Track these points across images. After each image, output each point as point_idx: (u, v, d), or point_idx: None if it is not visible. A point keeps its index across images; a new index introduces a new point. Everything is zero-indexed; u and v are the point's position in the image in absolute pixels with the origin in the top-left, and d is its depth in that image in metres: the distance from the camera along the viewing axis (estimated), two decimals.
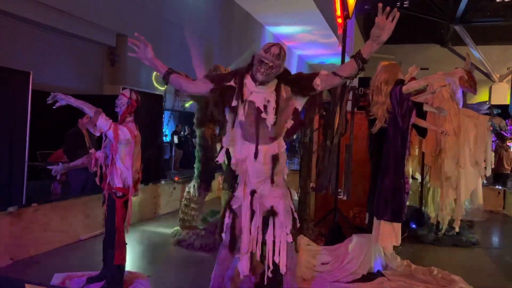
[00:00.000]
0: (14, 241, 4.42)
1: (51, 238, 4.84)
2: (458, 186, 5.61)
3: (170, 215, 6.83)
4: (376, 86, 4.35)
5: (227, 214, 3.03)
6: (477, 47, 20.48)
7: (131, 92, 3.66)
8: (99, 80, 9.61)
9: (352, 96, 5.36)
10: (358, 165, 5.65)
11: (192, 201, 5.47)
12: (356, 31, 19.56)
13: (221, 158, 3.01)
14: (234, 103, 2.85)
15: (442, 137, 5.52)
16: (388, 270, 4.34)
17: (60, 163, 3.89)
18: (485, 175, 5.84)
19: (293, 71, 3.03)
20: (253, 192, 2.92)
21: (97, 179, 3.65)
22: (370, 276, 4.20)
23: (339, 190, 5.31)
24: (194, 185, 5.47)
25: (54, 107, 3.36)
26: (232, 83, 2.89)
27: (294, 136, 5.39)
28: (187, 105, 9.79)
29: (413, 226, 6.06)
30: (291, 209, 2.99)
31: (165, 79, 2.91)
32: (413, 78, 5.22)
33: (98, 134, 3.54)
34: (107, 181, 3.51)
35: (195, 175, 5.51)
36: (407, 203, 4.49)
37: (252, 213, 2.90)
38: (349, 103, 5.32)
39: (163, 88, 9.52)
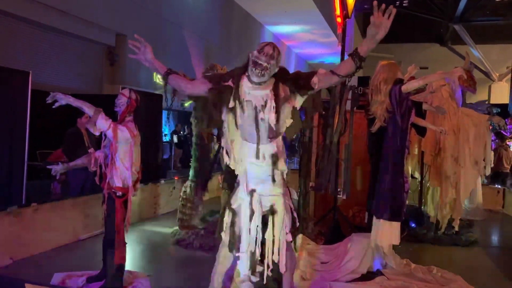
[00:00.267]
0: (14, 240, 4.42)
1: (50, 237, 4.84)
2: (457, 185, 5.61)
3: (170, 214, 6.83)
4: (375, 85, 4.35)
5: (226, 213, 3.03)
6: (476, 46, 20.50)
7: (131, 91, 3.66)
8: (98, 79, 9.61)
9: (352, 95, 5.36)
10: (358, 164, 5.65)
11: (189, 200, 5.47)
12: (356, 30, 19.57)
13: (226, 159, 3.00)
14: (231, 104, 2.85)
15: (442, 136, 5.52)
16: (387, 269, 4.34)
17: (59, 163, 3.89)
18: (484, 174, 5.85)
19: (292, 70, 3.02)
20: (252, 192, 2.92)
21: (96, 179, 3.65)
22: (369, 275, 4.21)
23: (338, 189, 5.31)
24: (190, 185, 5.48)
25: (53, 106, 3.35)
26: (230, 83, 2.88)
27: (294, 136, 5.43)
28: (186, 104, 9.80)
29: (413, 225, 6.06)
30: (291, 208, 2.99)
31: (164, 80, 2.93)
32: (413, 78, 5.21)
33: (97, 133, 3.54)
34: (107, 180, 3.51)
35: (191, 175, 5.51)
36: (407, 202, 4.49)
37: (252, 212, 2.90)
38: (349, 102, 5.33)
39: (162, 88, 9.54)
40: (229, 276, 3.28)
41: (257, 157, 2.85)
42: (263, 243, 2.92)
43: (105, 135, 3.50)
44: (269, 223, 2.91)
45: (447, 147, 5.59)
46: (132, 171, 3.53)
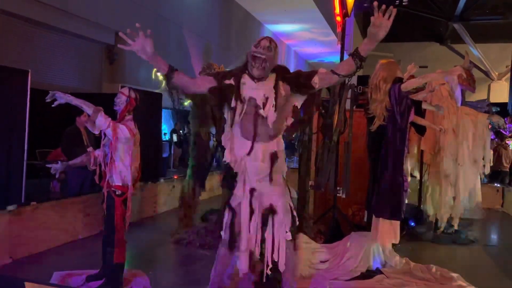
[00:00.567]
0: (14, 239, 4.42)
1: (50, 236, 4.84)
2: (456, 184, 5.62)
3: (169, 213, 6.84)
4: (375, 84, 4.35)
5: (226, 212, 3.03)
6: (476, 45, 20.50)
7: (130, 90, 3.66)
8: (97, 78, 9.60)
9: (351, 94, 5.37)
10: (357, 163, 5.65)
11: (187, 199, 5.47)
12: (355, 29, 19.54)
13: (228, 158, 3.00)
14: (233, 103, 2.85)
15: (441, 135, 5.53)
16: (387, 267, 4.35)
17: (59, 162, 3.89)
18: (483, 173, 5.86)
19: (292, 69, 3.03)
20: (252, 190, 2.92)
21: (96, 178, 3.66)
22: (369, 274, 4.21)
23: (338, 188, 5.32)
24: (188, 183, 5.48)
25: (53, 105, 3.34)
26: (232, 81, 2.89)
27: (294, 135, 5.43)
28: (186, 103, 9.79)
29: (412, 224, 6.07)
30: (290, 207, 2.99)
31: (168, 78, 2.78)
32: (412, 76, 5.22)
33: (97, 132, 3.54)
34: (106, 179, 3.51)
35: (189, 173, 5.51)
36: (406, 201, 4.49)
37: (251, 211, 2.91)
38: (348, 101, 5.33)
39: (161, 86, 9.53)
40: (229, 274, 3.29)
41: (256, 155, 2.85)
42: (262, 242, 2.92)
43: (105, 134, 3.50)
44: (268, 222, 2.91)
45: (447, 146, 5.59)
46: (131, 170, 3.53)
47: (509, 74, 18.97)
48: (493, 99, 17.88)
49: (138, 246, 5.14)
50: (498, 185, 8.71)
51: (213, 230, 5.17)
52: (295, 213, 3.03)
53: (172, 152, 12.52)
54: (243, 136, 2.89)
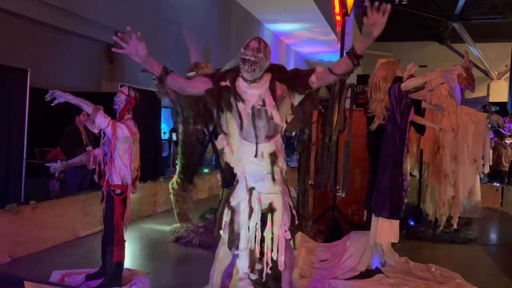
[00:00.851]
0: (13, 238, 4.41)
1: (49, 235, 4.84)
2: (456, 183, 5.62)
3: (169, 212, 6.81)
4: (374, 83, 4.35)
5: (225, 211, 3.04)
6: (475, 44, 20.50)
7: (130, 89, 3.65)
8: (97, 77, 9.59)
9: (351, 93, 5.36)
10: (357, 162, 5.65)
11: (179, 195, 5.47)
12: (355, 29, 19.52)
13: (227, 158, 2.99)
14: (230, 105, 2.84)
15: (440, 134, 5.53)
16: (386, 266, 4.35)
17: (58, 161, 3.89)
18: (483, 172, 5.86)
19: (291, 68, 3.01)
20: (251, 189, 2.92)
21: (95, 177, 3.65)
22: (368, 273, 4.22)
23: (337, 187, 5.32)
24: (177, 181, 5.48)
25: (52, 104, 3.34)
26: (228, 83, 2.86)
27: (293, 134, 5.42)
28: None
29: (411, 223, 6.07)
30: (290, 206, 3.00)
31: (161, 80, 2.71)
32: (412, 76, 5.22)
33: (96, 131, 3.54)
34: (106, 178, 3.51)
35: (178, 171, 5.51)
36: (406, 200, 4.50)
37: (251, 210, 2.91)
38: (348, 100, 5.33)
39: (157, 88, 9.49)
40: (228, 273, 3.29)
41: (256, 155, 2.85)
42: (262, 241, 2.92)
43: (104, 133, 3.50)
44: (268, 221, 2.91)
45: (446, 145, 5.59)
46: (131, 169, 3.53)
47: (508, 74, 18.98)
48: (492, 99, 17.87)
49: (138, 245, 5.14)
50: (498, 184, 8.71)
51: (213, 229, 5.17)
52: (294, 212, 3.03)
53: (172, 151, 12.50)
54: (242, 137, 2.89)
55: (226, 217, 3.02)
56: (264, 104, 2.79)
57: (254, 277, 3.12)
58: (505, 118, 9.33)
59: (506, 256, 5.30)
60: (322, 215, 5.68)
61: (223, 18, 14.22)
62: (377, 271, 4.27)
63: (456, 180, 5.62)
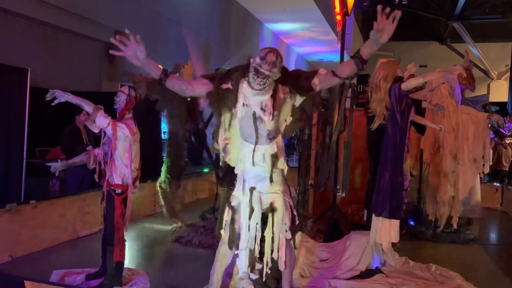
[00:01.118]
0: (13, 238, 4.42)
1: (49, 235, 4.84)
2: (456, 183, 5.62)
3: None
4: (375, 83, 4.35)
5: (226, 210, 3.04)
6: (475, 44, 20.48)
7: (130, 89, 3.65)
8: (97, 77, 9.59)
9: (351, 93, 5.36)
10: (357, 162, 5.66)
11: (166, 194, 5.48)
12: (355, 28, 19.51)
13: (228, 159, 2.99)
14: (231, 108, 2.84)
15: (441, 134, 5.53)
16: (386, 266, 4.35)
17: (58, 160, 3.89)
18: (483, 172, 5.86)
19: (292, 68, 3.00)
20: (252, 189, 2.92)
21: (96, 176, 3.65)
22: (368, 273, 4.22)
23: (337, 187, 5.32)
24: (165, 180, 5.49)
25: (52, 104, 3.34)
26: (229, 85, 2.84)
27: (293, 134, 5.42)
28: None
29: (411, 223, 6.07)
30: (290, 206, 3.00)
31: (161, 82, 2.70)
32: (412, 75, 5.22)
33: (97, 131, 3.53)
34: (106, 178, 3.51)
35: (164, 170, 5.51)
36: (406, 200, 4.50)
37: (251, 210, 2.91)
38: (348, 100, 5.32)
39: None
40: (228, 273, 3.29)
41: (257, 157, 2.84)
42: (262, 240, 2.92)
43: (105, 133, 3.50)
44: (268, 220, 2.91)
45: (446, 145, 5.59)
46: (131, 169, 3.53)
47: (508, 74, 18.97)
48: (492, 98, 17.86)
49: (138, 245, 5.14)
50: (498, 184, 8.71)
51: (213, 228, 5.18)
52: (294, 212, 3.03)
53: None
54: (243, 138, 2.89)
55: (226, 217, 3.02)
56: (265, 110, 2.78)
57: (254, 276, 3.12)
58: (505, 118, 9.35)
59: (506, 256, 5.30)
60: (322, 215, 5.69)
61: (223, 17, 14.21)
62: (377, 271, 4.27)
63: (456, 180, 5.62)
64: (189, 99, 4.51)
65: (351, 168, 5.37)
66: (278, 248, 2.89)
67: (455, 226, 5.73)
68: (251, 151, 2.86)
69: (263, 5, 14.71)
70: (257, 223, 2.90)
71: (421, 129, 5.15)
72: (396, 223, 4.21)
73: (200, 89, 2.85)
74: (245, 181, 2.95)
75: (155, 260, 4.68)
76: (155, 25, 10.27)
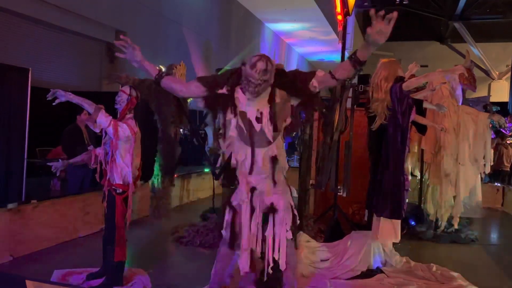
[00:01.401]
0: (14, 237, 4.42)
1: (50, 234, 4.85)
2: (457, 183, 5.62)
3: (169, 211, 6.82)
4: (376, 83, 4.35)
5: (227, 211, 3.03)
6: (476, 44, 20.44)
7: (131, 88, 3.65)
8: (98, 76, 9.59)
9: (352, 93, 5.36)
10: (358, 162, 5.65)
11: (158, 192, 5.48)
12: (356, 28, 19.50)
13: (233, 162, 3.00)
14: (227, 115, 2.85)
15: (442, 134, 5.52)
16: (387, 266, 4.35)
17: (59, 160, 3.89)
18: (484, 172, 5.86)
19: (292, 68, 3.00)
20: (253, 189, 2.92)
21: (97, 176, 3.65)
22: (369, 273, 4.22)
23: (338, 187, 5.31)
24: (157, 179, 5.48)
25: (53, 103, 3.35)
26: (224, 90, 2.85)
27: (293, 134, 5.42)
28: (188, 100, 9.77)
29: (412, 223, 6.07)
30: (291, 206, 3.00)
31: (157, 83, 2.86)
32: (413, 75, 5.21)
33: (98, 130, 3.54)
34: (107, 178, 3.51)
35: (156, 169, 5.51)
36: (407, 200, 4.50)
37: (252, 210, 2.91)
38: (349, 100, 5.32)
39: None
40: (229, 273, 3.29)
41: (257, 160, 2.84)
42: (263, 240, 2.92)
43: (106, 132, 3.50)
44: (269, 220, 2.91)
45: (447, 145, 5.59)
46: (132, 168, 3.53)
47: (509, 74, 18.96)
48: (493, 99, 17.84)
49: (139, 245, 5.14)
50: (499, 184, 8.70)
51: (214, 228, 5.18)
52: (295, 212, 3.03)
53: None
54: (242, 141, 2.89)
55: (227, 217, 3.01)
56: (261, 117, 2.78)
57: (255, 277, 3.12)
58: (506, 118, 9.32)
59: (507, 256, 5.30)
60: (323, 215, 5.68)
61: (224, 17, 14.21)
62: (378, 271, 4.27)
63: (457, 180, 5.61)
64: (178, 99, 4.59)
65: (352, 168, 5.36)
66: (279, 248, 2.89)
67: (456, 226, 5.73)
68: (250, 153, 2.86)
69: (264, 5, 14.71)
70: (258, 223, 2.90)
71: (422, 129, 5.14)
72: (397, 223, 4.21)
73: (192, 91, 2.92)
74: (246, 181, 2.95)
75: (156, 260, 4.68)
76: (155, 25, 10.28)
